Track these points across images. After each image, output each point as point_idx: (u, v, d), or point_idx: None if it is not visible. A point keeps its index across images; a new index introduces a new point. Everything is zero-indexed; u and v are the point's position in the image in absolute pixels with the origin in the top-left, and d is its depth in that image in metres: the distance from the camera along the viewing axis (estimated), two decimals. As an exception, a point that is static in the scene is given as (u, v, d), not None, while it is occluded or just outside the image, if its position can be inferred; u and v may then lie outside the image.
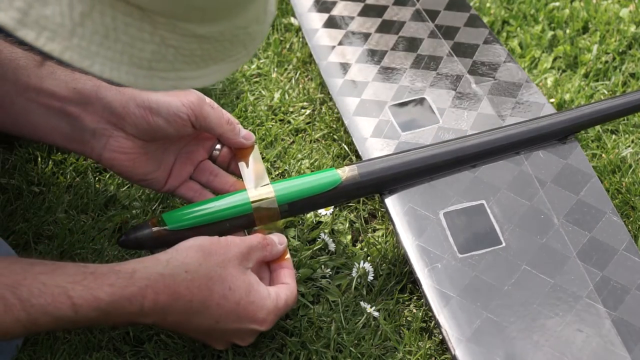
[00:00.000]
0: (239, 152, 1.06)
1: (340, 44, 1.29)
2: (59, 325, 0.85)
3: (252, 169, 1.03)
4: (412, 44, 1.28)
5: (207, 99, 1.01)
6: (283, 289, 0.96)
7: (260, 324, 0.93)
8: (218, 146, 1.07)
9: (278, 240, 0.98)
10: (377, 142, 1.13)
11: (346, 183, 1.03)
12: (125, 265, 0.87)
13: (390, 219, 1.03)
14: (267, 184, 1.01)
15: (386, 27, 1.32)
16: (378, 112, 1.17)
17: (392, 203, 1.04)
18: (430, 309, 0.95)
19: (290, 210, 1.01)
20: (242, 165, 1.04)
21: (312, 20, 1.34)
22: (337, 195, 1.03)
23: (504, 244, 0.99)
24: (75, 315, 0.84)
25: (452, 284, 0.96)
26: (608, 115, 1.14)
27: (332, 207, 1.13)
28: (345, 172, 1.03)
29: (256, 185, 1.01)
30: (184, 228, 0.97)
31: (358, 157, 1.18)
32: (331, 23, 1.33)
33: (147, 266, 0.87)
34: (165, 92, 0.99)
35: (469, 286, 0.96)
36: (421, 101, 1.18)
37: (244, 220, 0.99)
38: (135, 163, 1.01)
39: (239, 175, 1.05)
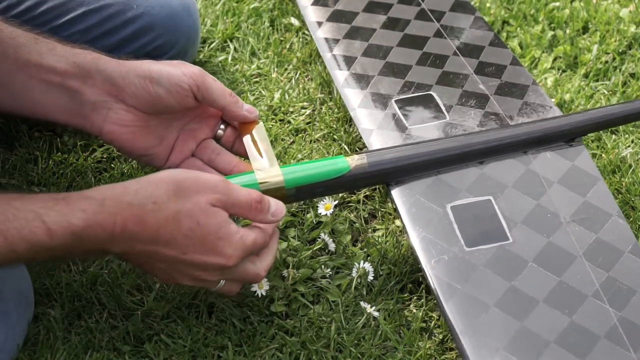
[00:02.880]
0: (244, 130, 1.05)
1: (344, 37, 1.30)
2: (37, 252, 0.84)
3: (258, 148, 1.02)
4: (417, 42, 1.28)
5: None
6: (255, 230, 0.93)
7: (227, 260, 0.91)
8: (222, 126, 1.06)
9: (274, 209, 0.95)
10: (383, 134, 1.13)
11: (355, 171, 1.03)
12: (95, 192, 0.87)
13: (397, 210, 1.03)
14: (275, 166, 1.00)
15: (391, 24, 1.32)
16: (384, 105, 1.17)
17: (399, 194, 1.04)
18: (436, 300, 0.95)
19: (297, 194, 1.01)
20: (248, 145, 1.03)
21: (316, 13, 1.34)
22: (344, 183, 1.03)
23: (510, 240, 1.00)
24: (51, 241, 0.83)
25: (458, 276, 0.96)
26: (616, 120, 1.14)
27: (332, 208, 1.12)
28: (354, 160, 1.03)
29: (263, 166, 1.00)
30: None
31: (358, 157, 1.18)
32: (335, 17, 1.33)
33: (116, 194, 0.87)
34: (166, 63, 0.99)
35: (476, 279, 0.96)
36: (428, 97, 1.18)
37: None
38: (135, 136, 1.00)
39: (242, 156, 1.04)
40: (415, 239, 0.99)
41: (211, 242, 0.89)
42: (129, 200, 0.86)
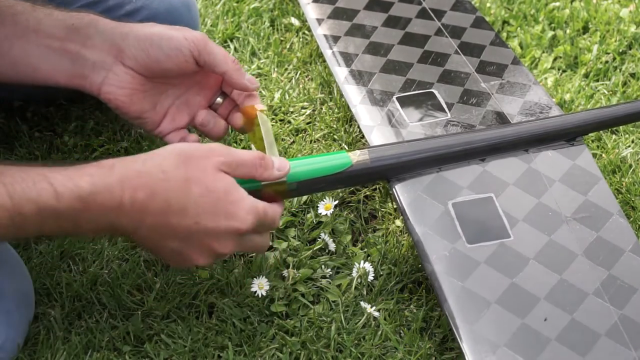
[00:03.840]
0: (248, 122, 1.05)
1: (345, 35, 1.30)
2: (44, 217, 0.83)
3: (261, 140, 1.02)
4: (418, 40, 1.28)
5: None
6: (264, 202, 0.94)
7: (242, 223, 0.90)
8: (219, 99, 1.06)
9: (278, 165, 0.95)
10: (384, 131, 1.13)
11: (356, 167, 1.02)
12: (105, 160, 0.87)
13: (398, 206, 1.03)
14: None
15: (392, 22, 1.32)
16: (385, 102, 1.17)
17: (401, 190, 1.04)
18: (436, 298, 0.95)
19: (299, 189, 1.00)
20: (251, 138, 1.03)
21: (317, 11, 1.34)
22: (346, 179, 1.03)
23: (512, 238, 1.00)
24: (58, 204, 0.83)
25: (459, 273, 0.96)
26: (617, 120, 1.14)
27: (333, 208, 1.12)
28: (356, 156, 1.03)
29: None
30: None
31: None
32: (336, 14, 1.34)
33: (125, 163, 0.87)
34: (169, 27, 0.99)
35: (477, 276, 0.96)
36: (429, 95, 1.18)
37: (252, 195, 0.97)
38: (132, 99, 1.00)
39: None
40: (416, 235, 0.99)
41: (223, 207, 0.89)
42: (137, 169, 0.86)
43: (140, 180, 0.86)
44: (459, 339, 0.90)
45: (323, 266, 1.08)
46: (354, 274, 1.06)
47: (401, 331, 1.01)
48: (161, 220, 0.87)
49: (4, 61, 0.99)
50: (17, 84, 1.04)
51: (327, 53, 1.26)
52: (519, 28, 1.47)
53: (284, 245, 1.10)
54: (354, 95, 1.19)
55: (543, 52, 1.43)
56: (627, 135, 1.27)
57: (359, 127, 1.18)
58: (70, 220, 0.85)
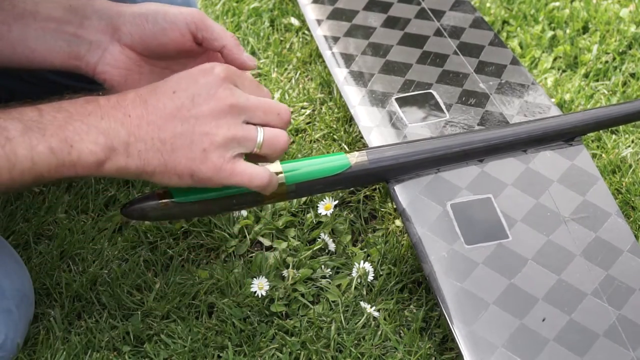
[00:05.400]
0: None
1: (345, 35, 1.30)
2: (32, 140, 0.84)
3: None
4: (417, 41, 1.28)
5: None
6: None
7: (211, 67, 0.90)
8: None
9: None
10: (382, 132, 1.13)
11: (355, 168, 1.02)
12: None
13: (397, 207, 1.03)
14: (276, 162, 1.00)
15: (391, 23, 1.32)
16: (384, 103, 1.18)
17: (400, 191, 1.04)
18: (435, 299, 0.95)
19: (297, 191, 1.00)
20: None
21: (316, 12, 1.35)
22: (344, 180, 1.02)
23: (510, 238, 1.00)
24: (41, 118, 0.85)
25: (458, 274, 0.96)
26: (615, 120, 1.14)
27: (332, 208, 1.12)
28: (355, 157, 1.03)
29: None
30: (191, 201, 0.96)
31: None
32: (336, 15, 1.34)
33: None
34: (164, 5, 1.00)
35: (475, 277, 0.96)
36: (428, 95, 1.19)
37: (252, 197, 0.97)
38: (127, 80, 1.00)
39: None
40: (415, 236, 1.00)
41: (187, 72, 0.90)
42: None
43: (109, 95, 0.89)
44: (457, 341, 0.90)
45: (323, 266, 1.08)
46: (354, 274, 1.06)
47: (401, 331, 1.01)
48: (141, 110, 0.88)
49: (4, 44, 1.00)
50: (15, 68, 1.04)
51: (327, 54, 1.26)
52: (518, 28, 1.47)
53: (284, 245, 1.10)
54: (353, 96, 1.19)
55: (543, 52, 1.43)
56: (627, 135, 1.27)
57: (358, 127, 1.18)
58: (59, 137, 0.85)
